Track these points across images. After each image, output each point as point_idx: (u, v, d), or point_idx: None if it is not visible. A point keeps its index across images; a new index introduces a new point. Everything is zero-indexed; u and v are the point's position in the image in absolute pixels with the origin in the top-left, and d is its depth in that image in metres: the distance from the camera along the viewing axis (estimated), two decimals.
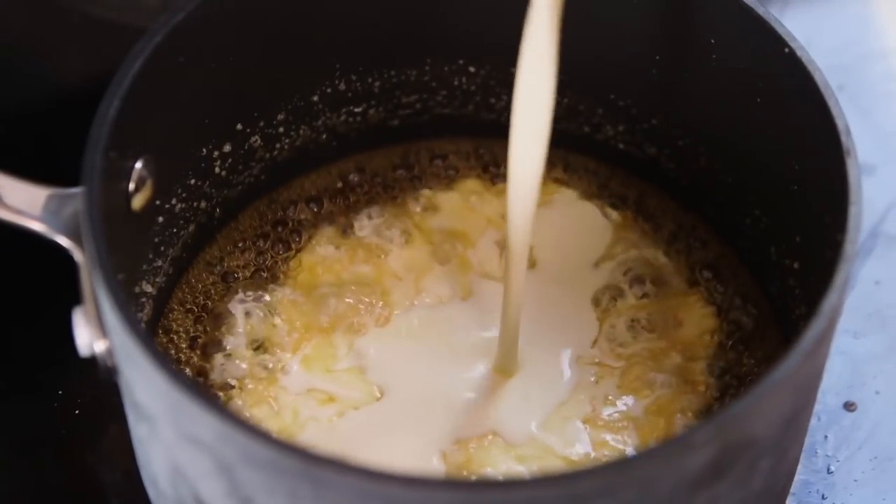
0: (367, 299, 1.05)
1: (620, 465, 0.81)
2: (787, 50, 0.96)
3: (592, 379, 1.01)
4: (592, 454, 0.97)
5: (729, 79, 1.02)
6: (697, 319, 1.04)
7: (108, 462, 1.00)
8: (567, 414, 0.99)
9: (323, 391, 1.00)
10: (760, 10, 0.97)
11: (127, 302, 0.85)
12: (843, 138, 0.92)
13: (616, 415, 0.99)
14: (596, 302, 1.06)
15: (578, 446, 0.98)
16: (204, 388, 0.98)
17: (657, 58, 1.06)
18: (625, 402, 1.00)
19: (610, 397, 1.00)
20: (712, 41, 1.01)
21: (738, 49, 1.00)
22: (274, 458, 0.80)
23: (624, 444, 0.97)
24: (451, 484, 0.82)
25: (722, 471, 0.84)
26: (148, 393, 0.85)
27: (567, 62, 1.07)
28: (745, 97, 1.01)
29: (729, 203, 1.08)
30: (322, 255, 1.08)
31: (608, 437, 0.98)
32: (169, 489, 0.90)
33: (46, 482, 1.00)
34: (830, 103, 0.93)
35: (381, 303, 1.05)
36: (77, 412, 1.02)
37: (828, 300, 0.86)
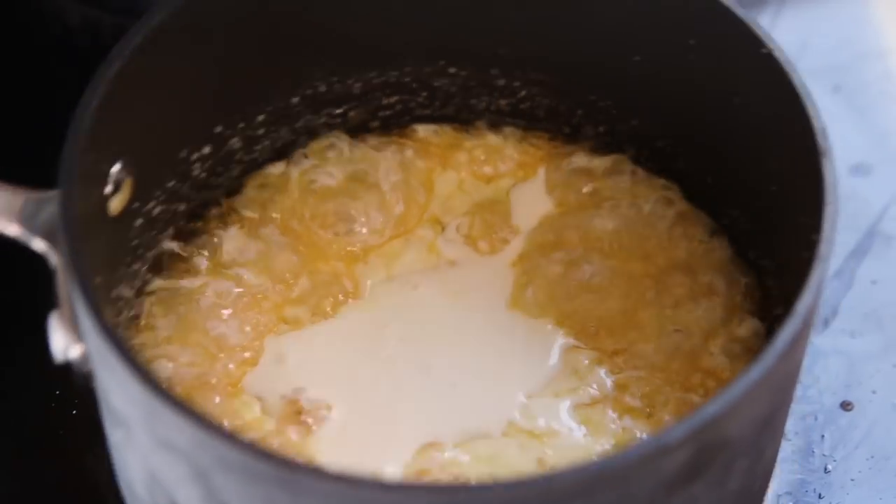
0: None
1: (597, 466, 0.80)
2: (764, 50, 0.95)
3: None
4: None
5: (708, 80, 1.02)
6: None
7: (106, 463, 0.99)
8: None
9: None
10: (739, 12, 0.97)
11: (102, 306, 0.85)
12: (820, 139, 0.91)
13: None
14: None
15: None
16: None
17: (636, 59, 1.05)
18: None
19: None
20: (691, 42, 1.01)
21: (717, 50, 1.00)
22: (249, 464, 0.79)
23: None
24: (427, 488, 0.82)
25: (698, 471, 0.83)
26: (123, 398, 0.85)
27: (548, 63, 1.08)
28: (724, 98, 1.01)
29: (708, 203, 1.07)
30: None
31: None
32: (145, 495, 0.89)
33: (45, 483, 1.00)
34: (807, 104, 0.93)
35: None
36: (75, 413, 1.02)
37: (802, 301, 0.86)
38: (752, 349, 0.99)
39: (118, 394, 0.85)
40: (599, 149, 1.11)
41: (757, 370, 0.83)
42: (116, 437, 0.90)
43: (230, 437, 0.79)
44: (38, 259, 1.01)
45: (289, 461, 0.79)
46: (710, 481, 0.85)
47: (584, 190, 1.08)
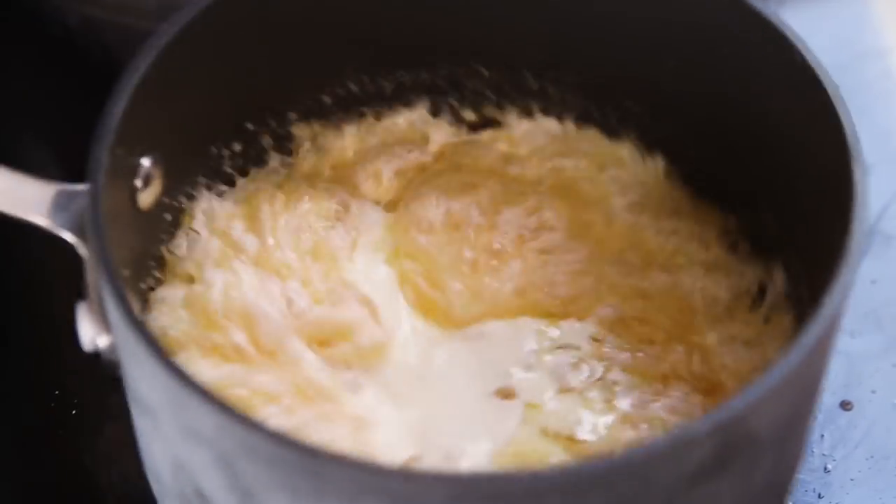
0: None
1: (619, 459, 0.80)
2: (797, 57, 0.95)
3: None
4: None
5: (739, 85, 1.02)
6: None
7: (105, 463, 1.00)
8: None
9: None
10: (772, 17, 0.97)
11: (130, 298, 0.86)
12: (850, 142, 0.91)
13: None
14: None
15: None
16: None
17: (670, 64, 1.05)
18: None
19: None
20: (724, 48, 1.01)
21: (750, 55, 1.00)
22: (274, 452, 0.80)
23: None
24: (449, 478, 0.82)
25: (722, 467, 0.84)
26: (149, 387, 0.86)
27: (582, 66, 1.08)
28: (755, 102, 1.01)
29: (740, 207, 1.07)
30: None
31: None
32: (171, 482, 0.90)
33: (43, 483, 1.00)
34: (838, 107, 0.93)
35: None
36: (74, 413, 1.03)
37: (830, 301, 0.86)
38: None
39: (145, 383, 0.86)
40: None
41: (784, 366, 0.83)
42: (143, 426, 0.91)
43: (254, 425, 0.80)
44: (33, 260, 1.02)
45: (312, 448, 0.79)
46: (733, 477, 0.85)
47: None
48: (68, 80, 1.09)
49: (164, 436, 0.87)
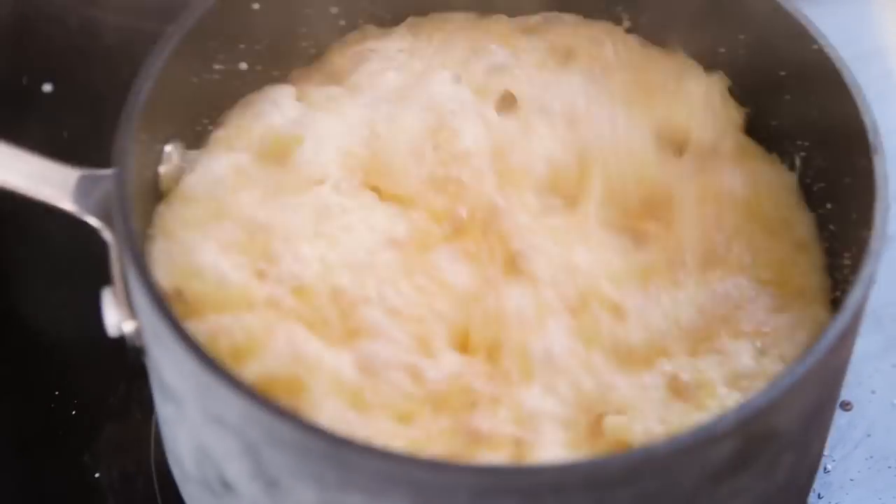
0: None
1: (643, 454, 0.81)
2: (815, 47, 0.96)
3: None
4: None
5: (759, 76, 1.02)
6: None
7: (105, 462, 1.01)
8: None
9: None
10: (790, 8, 0.98)
11: (156, 283, 0.86)
12: (871, 136, 0.92)
13: None
14: None
15: None
16: None
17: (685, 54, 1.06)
18: None
19: None
20: (741, 37, 1.02)
21: (768, 46, 1.01)
22: (300, 440, 0.80)
23: None
24: (475, 469, 0.83)
25: (745, 463, 0.84)
26: (175, 374, 0.86)
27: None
28: (774, 95, 1.02)
29: None
30: None
31: None
32: (194, 469, 0.91)
33: (43, 483, 1.01)
34: (858, 101, 0.94)
35: None
36: (74, 413, 1.03)
37: (853, 296, 0.87)
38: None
39: (170, 369, 0.87)
40: None
41: (807, 362, 0.84)
42: (167, 412, 0.91)
43: (281, 413, 0.81)
44: (31, 261, 1.03)
45: (339, 437, 0.80)
46: (756, 474, 0.86)
47: None
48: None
49: (189, 422, 0.88)
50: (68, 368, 1.02)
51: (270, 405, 0.81)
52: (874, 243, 0.89)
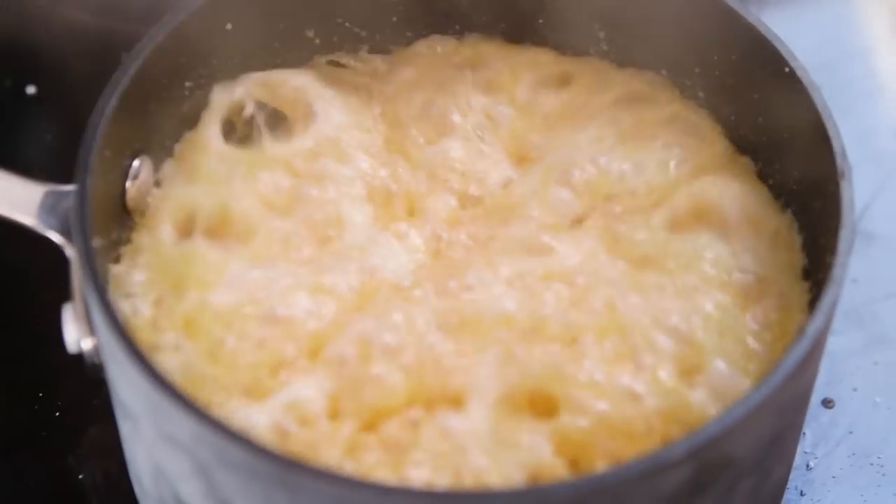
0: None
1: (593, 481, 0.81)
2: (787, 69, 0.96)
3: None
4: None
5: (731, 96, 1.02)
6: None
7: (88, 463, 1.01)
8: None
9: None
10: (762, 28, 0.98)
11: (112, 302, 0.87)
12: (839, 160, 0.92)
13: None
14: None
15: None
16: None
17: (662, 73, 1.06)
18: None
19: None
20: (716, 57, 1.02)
21: (742, 68, 1.01)
22: (249, 462, 0.81)
23: None
24: (423, 494, 0.83)
25: (700, 490, 0.84)
26: (130, 392, 0.86)
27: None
28: (748, 116, 1.02)
29: None
30: None
31: None
32: (152, 488, 0.91)
33: (26, 483, 1.01)
34: (828, 124, 0.93)
35: None
36: (57, 414, 1.03)
37: (813, 323, 0.87)
38: None
39: (126, 387, 0.87)
40: None
41: (762, 390, 0.84)
42: (125, 430, 0.92)
43: (230, 434, 0.81)
44: (16, 264, 1.03)
45: (288, 460, 0.80)
46: (714, 500, 0.86)
47: None
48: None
49: (145, 441, 0.88)
50: (52, 371, 1.02)
51: (220, 426, 0.81)
52: (836, 271, 0.88)
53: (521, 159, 1.03)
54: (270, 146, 1.01)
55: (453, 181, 1.01)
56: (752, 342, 0.92)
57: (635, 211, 0.99)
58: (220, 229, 0.97)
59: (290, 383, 0.90)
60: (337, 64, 1.07)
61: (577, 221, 0.99)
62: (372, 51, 1.08)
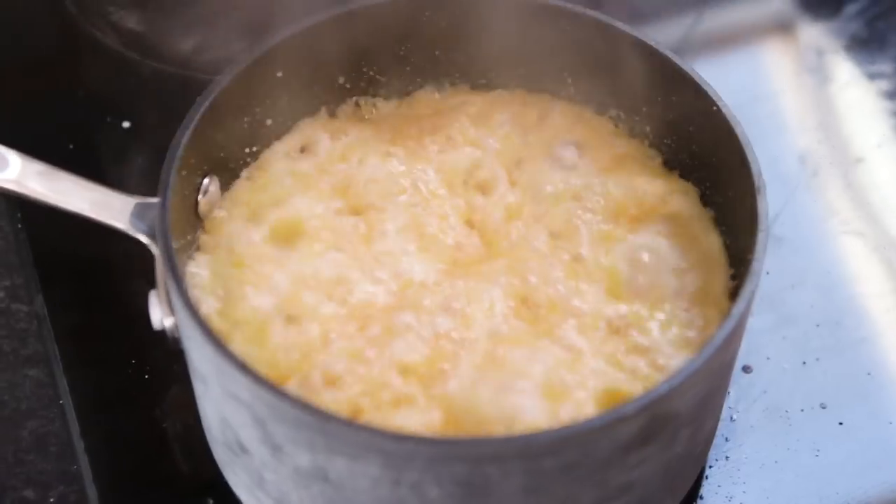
0: None
1: (563, 431, 0.81)
2: (714, 108, 0.95)
3: None
4: None
5: (670, 129, 1.01)
6: None
7: (171, 417, 1.00)
8: None
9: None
10: (695, 76, 0.97)
11: (187, 290, 0.86)
12: (756, 179, 0.91)
13: None
14: None
15: None
16: None
17: (612, 113, 1.05)
18: None
19: None
20: (658, 98, 1.01)
21: (679, 105, 0.99)
22: (295, 415, 0.80)
23: None
24: (429, 441, 0.82)
25: (649, 438, 0.83)
26: (201, 360, 0.86)
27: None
28: (682, 145, 1.01)
29: None
30: None
31: None
32: (219, 435, 0.90)
33: (123, 433, 1.00)
34: (747, 151, 0.93)
35: None
36: (146, 377, 1.02)
37: (737, 307, 0.86)
38: None
39: (198, 355, 0.86)
40: None
41: (699, 359, 0.84)
42: (198, 389, 0.91)
43: (280, 394, 0.81)
44: (112, 262, 1.03)
45: (325, 414, 0.80)
46: (659, 445, 0.85)
47: None
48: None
49: (213, 398, 0.87)
50: (141, 344, 1.01)
51: (272, 387, 0.81)
52: (755, 265, 0.88)
53: None
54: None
55: None
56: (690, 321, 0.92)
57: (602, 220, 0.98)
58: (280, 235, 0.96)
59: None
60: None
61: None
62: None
